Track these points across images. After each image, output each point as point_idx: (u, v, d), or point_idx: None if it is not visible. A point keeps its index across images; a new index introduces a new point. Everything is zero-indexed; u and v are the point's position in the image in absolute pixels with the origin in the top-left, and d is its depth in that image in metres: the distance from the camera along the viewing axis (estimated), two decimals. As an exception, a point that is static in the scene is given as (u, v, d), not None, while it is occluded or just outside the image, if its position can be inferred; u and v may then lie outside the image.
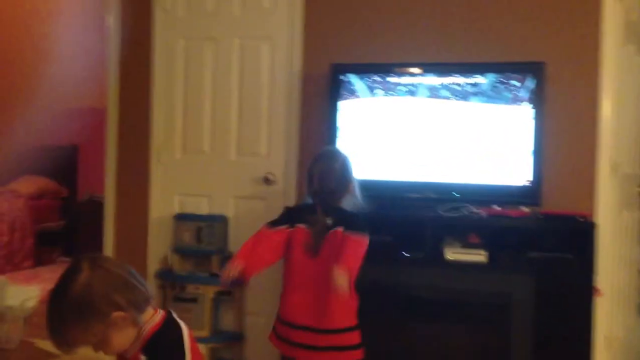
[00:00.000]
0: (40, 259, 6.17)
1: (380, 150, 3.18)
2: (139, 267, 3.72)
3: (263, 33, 3.57)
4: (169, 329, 1.50)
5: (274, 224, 2.53)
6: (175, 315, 1.55)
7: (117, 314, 1.40)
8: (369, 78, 3.17)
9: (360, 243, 2.39)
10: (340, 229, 2.39)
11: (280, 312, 2.47)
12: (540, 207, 2.98)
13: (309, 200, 2.52)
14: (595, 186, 3.05)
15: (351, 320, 2.42)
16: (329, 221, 2.40)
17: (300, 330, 2.35)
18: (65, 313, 1.38)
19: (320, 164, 2.46)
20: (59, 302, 1.39)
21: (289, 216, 2.54)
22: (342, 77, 3.20)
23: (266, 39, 3.57)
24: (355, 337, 2.41)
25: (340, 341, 2.35)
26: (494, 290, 2.84)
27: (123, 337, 1.43)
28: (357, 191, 2.52)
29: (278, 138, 3.54)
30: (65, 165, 6.67)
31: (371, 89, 3.18)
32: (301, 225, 2.45)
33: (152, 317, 1.49)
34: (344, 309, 2.38)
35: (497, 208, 2.99)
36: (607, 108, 3.03)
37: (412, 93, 3.13)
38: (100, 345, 1.42)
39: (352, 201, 2.48)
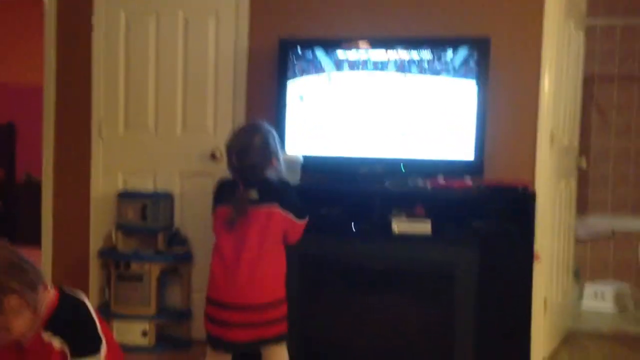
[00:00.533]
0: (-24, 243, 5.94)
1: (329, 125, 3.18)
2: (81, 246, 3.66)
3: (208, 7, 3.51)
4: (70, 302, 1.46)
5: (212, 210, 2.46)
6: (68, 289, 1.51)
7: (13, 299, 1.35)
8: (316, 53, 3.16)
9: (302, 227, 2.41)
10: (276, 207, 2.31)
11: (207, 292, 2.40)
12: (483, 179, 3.05)
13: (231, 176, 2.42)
14: (535, 157, 3.14)
15: (277, 293, 2.35)
16: (254, 194, 2.31)
17: (225, 308, 2.28)
18: None
19: (239, 139, 2.36)
20: None
21: (215, 197, 2.45)
22: (289, 52, 3.18)
23: (212, 13, 3.50)
24: (277, 312, 2.34)
25: (261, 317, 2.28)
26: (438, 261, 2.91)
27: (22, 321, 1.37)
28: (282, 166, 2.43)
29: (225, 114, 3.50)
30: (1, 145, 6.43)
31: (318, 65, 3.16)
32: (223, 206, 2.37)
33: (46, 296, 1.44)
34: (269, 283, 2.33)
35: (441, 180, 3.05)
36: (547, 82, 3.11)
37: (358, 68, 3.13)
38: (1, 334, 1.36)
39: (276, 175, 2.40)
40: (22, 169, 6.39)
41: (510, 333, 2.82)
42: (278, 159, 2.38)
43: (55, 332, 1.38)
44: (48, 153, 3.74)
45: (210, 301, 2.34)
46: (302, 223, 2.42)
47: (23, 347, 1.38)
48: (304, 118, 3.19)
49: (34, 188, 5.14)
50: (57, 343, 1.38)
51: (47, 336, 1.38)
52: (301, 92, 3.18)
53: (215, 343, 2.33)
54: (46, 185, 3.76)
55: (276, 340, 2.34)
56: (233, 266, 2.28)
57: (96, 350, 1.41)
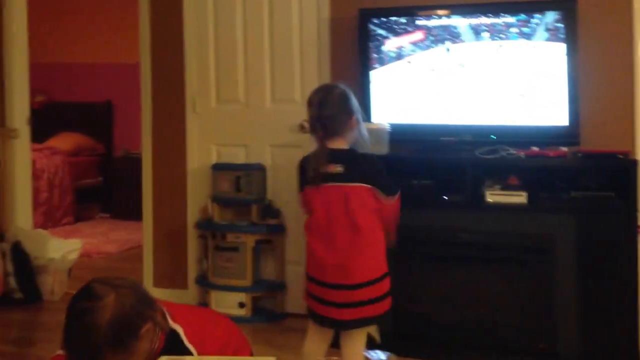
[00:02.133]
0: (79, 215, 6.33)
1: (415, 94, 3.14)
2: (179, 218, 3.81)
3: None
4: (171, 335, 1.48)
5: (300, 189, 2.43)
6: (169, 317, 1.50)
7: (148, 327, 1.38)
8: (398, 22, 3.12)
9: (393, 205, 2.35)
10: (361, 186, 2.26)
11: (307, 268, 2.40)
12: (579, 147, 2.93)
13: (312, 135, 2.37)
14: (634, 123, 2.98)
15: (377, 271, 2.30)
16: (339, 169, 2.26)
17: (324, 287, 2.27)
18: (101, 344, 1.32)
19: (319, 91, 2.40)
20: (92, 334, 1.32)
21: (300, 177, 2.42)
22: (370, 22, 3.16)
23: (295, -15, 3.53)
24: (378, 289, 2.28)
25: (362, 296, 2.24)
26: (535, 232, 2.82)
27: (148, 350, 1.40)
28: (363, 129, 2.37)
29: (311, 85, 3.48)
30: (101, 122, 6.76)
31: (401, 33, 3.12)
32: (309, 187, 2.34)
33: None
34: (364, 262, 2.27)
35: (535, 149, 2.95)
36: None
37: (443, 35, 3.07)
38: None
39: (357, 140, 2.35)
40: (119, 145, 6.71)
41: (615, 307, 2.71)
42: (358, 120, 2.35)
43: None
44: (146, 129, 3.89)
45: (310, 279, 2.34)
46: (392, 201, 2.34)
47: None
48: (389, 86, 3.17)
49: (131, 163, 5.41)
50: None
51: None
52: (385, 59, 3.16)
53: (319, 320, 2.33)
54: (146, 160, 3.91)
55: (376, 319, 2.32)
56: (329, 245, 2.26)
57: None
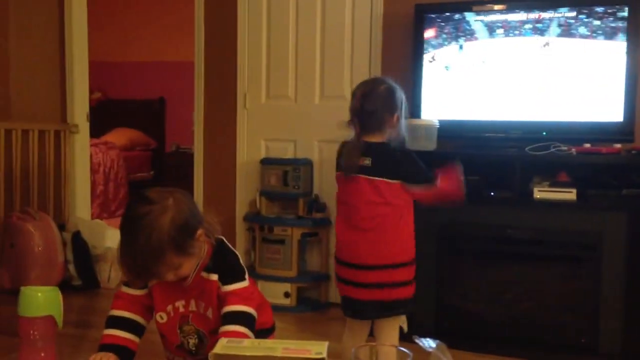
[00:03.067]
0: (133, 208, 6.52)
1: (466, 89, 3.15)
2: (229, 211, 3.91)
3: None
4: (218, 243, 1.52)
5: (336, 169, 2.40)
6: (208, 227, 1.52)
7: (201, 231, 1.43)
8: (453, 18, 3.13)
9: (423, 192, 2.25)
10: (383, 181, 2.20)
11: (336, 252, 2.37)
12: (633, 144, 2.88)
13: (349, 127, 2.31)
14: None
15: (400, 257, 2.26)
16: (367, 161, 2.21)
17: (347, 267, 2.26)
18: (164, 244, 1.35)
19: (365, 85, 2.30)
20: (156, 234, 1.34)
21: (338, 160, 2.38)
22: (425, 18, 3.18)
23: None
24: (399, 275, 2.24)
25: (382, 278, 2.21)
26: (584, 229, 2.79)
27: (199, 256, 1.45)
28: (404, 128, 2.26)
29: (361, 81, 3.55)
30: (153, 118, 6.96)
31: (456, 29, 3.13)
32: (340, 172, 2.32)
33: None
34: (386, 246, 2.23)
35: (587, 146, 2.91)
36: None
37: (496, 31, 3.06)
38: (176, 269, 1.41)
39: (396, 137, 2.26)
40: (170, 140, 6.90)
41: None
42: (400, 118, 2.25)
43: (211, 270, 1.49)
44: (199, 124, 4.01)
45: (336, 260, 2.33)
46: (421, 188, 2.25)
47: (186, 285, 1.48)
48: (441, 82, 3.18)
49: (182, 157, 5.57)
50: (213, 277, 1.49)
51: (205, 274, 1.49)
52: (438, 55, 3.16)
53: (343, 303, 2.33)
54: (197, 154, 4.04)
55: (395, 305, 2.25)
56: (351, 228, 2.26)
57: (242, 278, 1.50)
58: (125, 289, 1.54)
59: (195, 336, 1.51)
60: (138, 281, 1.49)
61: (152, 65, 6.96)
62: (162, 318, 1.52)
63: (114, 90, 7.15)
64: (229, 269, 1.50)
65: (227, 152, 3.93)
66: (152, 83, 6.94)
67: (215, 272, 1.49)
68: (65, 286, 3.80)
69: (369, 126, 2.23)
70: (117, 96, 7.11)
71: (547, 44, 2.98)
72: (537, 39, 3.00)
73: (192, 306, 1.50)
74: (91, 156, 4.96)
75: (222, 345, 1.10)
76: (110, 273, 3.97)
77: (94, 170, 5.55)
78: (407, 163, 2.26)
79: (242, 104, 3.87)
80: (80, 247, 3.90)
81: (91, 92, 4.83)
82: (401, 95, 2.28)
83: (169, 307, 1.51)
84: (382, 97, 2.23)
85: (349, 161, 2.25)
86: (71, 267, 3.86)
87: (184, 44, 5.76)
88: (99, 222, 4.34)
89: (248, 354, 1.07)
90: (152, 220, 1.35)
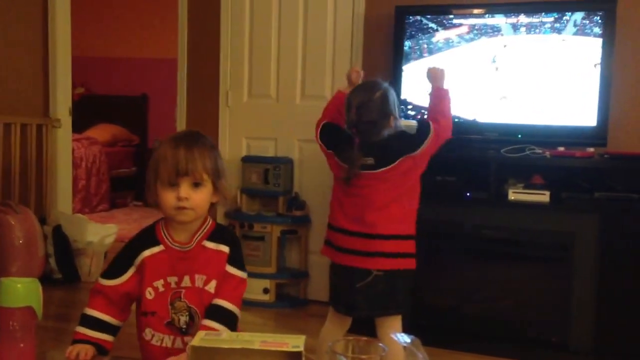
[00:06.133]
0: (114, 203, 6.53)
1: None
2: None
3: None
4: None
5: (326, 148, 2.42)
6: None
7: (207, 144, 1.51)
8: (432, 20, 3.19)
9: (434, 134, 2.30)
10: (392, 170, 2.25)
11: (330, 220, 2.39)
12: (607, 148, 2.96)
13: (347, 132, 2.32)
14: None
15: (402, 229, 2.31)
16: (370, 161, 2.24)
17: (348, 235, 2.29)
18: (207, 145, 1.48)
19: (360, 94, 2.27)
20: (200, 138, 1.49)
21: (327, 139, 2.42)
22: (405, 19, 3.23)
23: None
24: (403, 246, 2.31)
25: (385, 247, 2.26)
26: (557, 230, 2.86)
27: (204, 194, 1.47)
28: (399, 124, 2.31)
29: (342, 81, 3.58)
30: (136, 114, 6.95)
31: (434, 30, 3.19)
32: (336, 157, 2.34)
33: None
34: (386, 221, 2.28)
35: (561, 150, 2.99)
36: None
37: (474, 33, 3.12)
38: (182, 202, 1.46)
39: (395, 130, 2.30)
40: (153, 136, 6.89)
41: (633, 308, 2.75)
42: (396, 118, 2.29)
43: (219, 241, 1.50)
44: (181, 121, 4.03)
45: (332, 228, 2.36)
46: (432, 133, 2.29)
47: (189, 255, 1.50)
48: (419, 83, 3.23)
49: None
50: (223, 248, 1.50)
51: (211, 244, 1.50)
52: (416, 57, 3.22)
53: (334, 297, 2.38)
54: (179, 151, 4.05)
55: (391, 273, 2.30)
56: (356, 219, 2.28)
57: (245, 269, 1.53)
58: (103, 281, 1.55)
59: (187, 313, 1.50)
60: None
61: (136, 62, 6.95)
62: (150, 294, 1.50)
63: (97, 85, 7.12)
64: (239, 250, 1.52)
65: (209, 149, 3.94)
66: (135, 79, 6.93)
67: (226, 245, 1.50)
68: (46, 279, 3.80)
69: (369, 134, 2.26)
70: (100, 92, 7.08)
71: (524, 47, 3.05)
72: (514, 43, 3.07)
73: (186, 282, 1.49)
74: (73, 151, 4.94)
75: (200, 338, 1.12)
76: (91, 267, 3.98)
77: (76, 165, 5.53)
78: (405, 138, 2.30)
79: (225, 102, 3.90)
80: (61, 241, 3.90)
81: (74, 87, 4.82)
82: (394, 96, 2.31)
83: (158, 283, 1.49)
84: (378, 106, 2.24)
85: (352, 166, 2.25)
86: (52, 261, 3.86)
87: (167, 41, 5.77)
88: (80, 216, 4.34)
89: (226, 346, 1.09)
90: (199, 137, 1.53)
